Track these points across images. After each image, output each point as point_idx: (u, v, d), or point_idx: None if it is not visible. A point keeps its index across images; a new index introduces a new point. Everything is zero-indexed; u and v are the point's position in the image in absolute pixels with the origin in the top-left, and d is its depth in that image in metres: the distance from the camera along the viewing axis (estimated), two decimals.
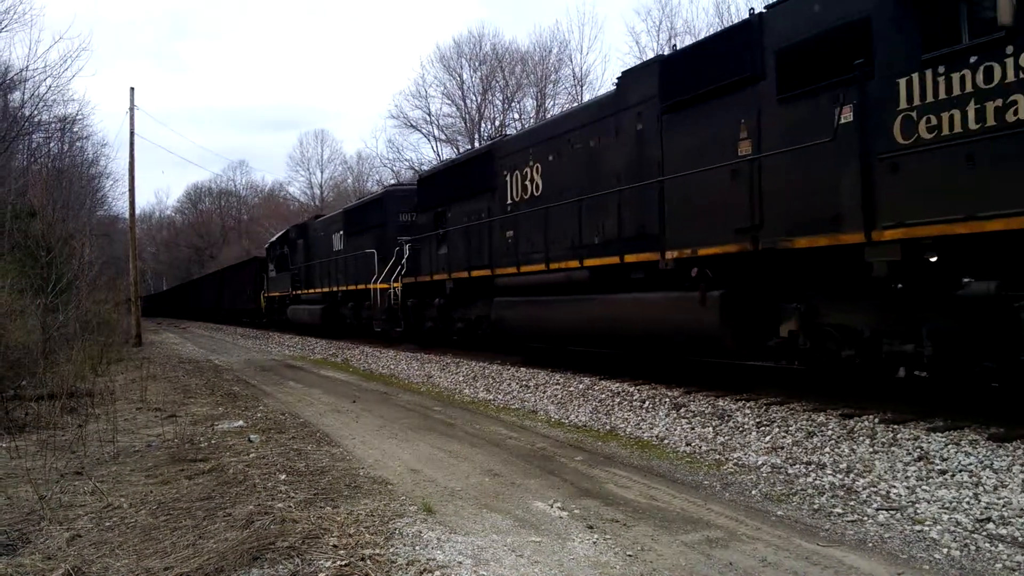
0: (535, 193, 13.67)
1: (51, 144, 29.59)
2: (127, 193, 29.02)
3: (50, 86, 23.82)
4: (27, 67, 22.75)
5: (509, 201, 14.60)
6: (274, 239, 36.46)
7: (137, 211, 30.83)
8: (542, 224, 13.15)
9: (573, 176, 12.46)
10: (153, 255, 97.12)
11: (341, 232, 26.01)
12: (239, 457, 7.45)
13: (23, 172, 24.71)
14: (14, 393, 10.90)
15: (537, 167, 13.60)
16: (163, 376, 15.99)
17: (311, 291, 29.45)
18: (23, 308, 13.97)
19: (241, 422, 9.69)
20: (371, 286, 21.84)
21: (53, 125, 27.50)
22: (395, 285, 20.18)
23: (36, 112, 24.72)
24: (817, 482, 5.97)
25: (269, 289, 36.30)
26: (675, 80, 10.10)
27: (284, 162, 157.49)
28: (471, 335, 17.01)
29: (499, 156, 15.17)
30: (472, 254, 16.02)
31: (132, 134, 28.09)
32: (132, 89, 28.59)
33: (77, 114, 30.29)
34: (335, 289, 26.08)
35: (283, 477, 6.53)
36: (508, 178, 14.63)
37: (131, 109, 28.18)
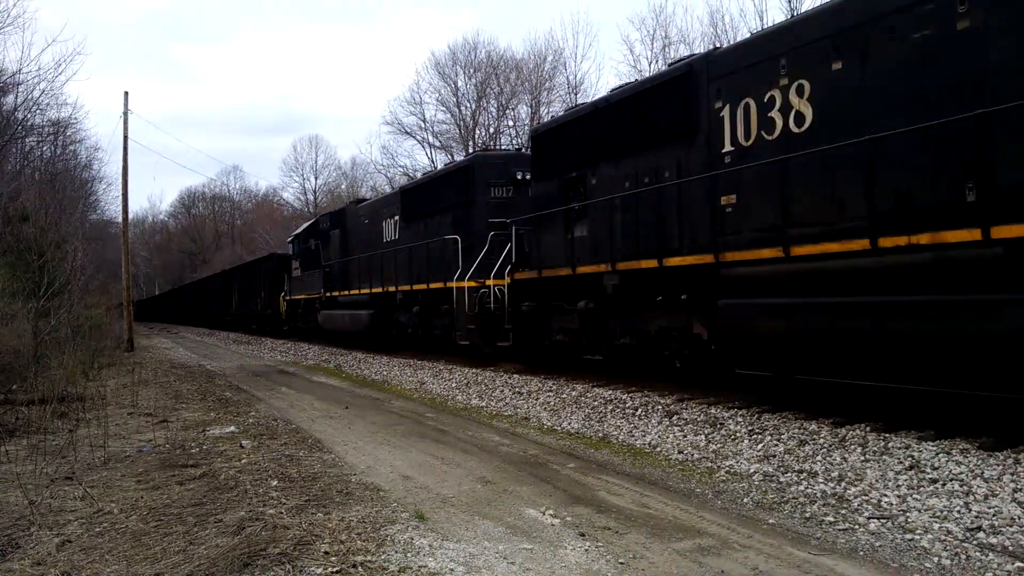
0: (793, 129, 8.59)
1: (44, 148, 29.54)
2: (120, 197, 29.06)
3: (43, 90, 23.82)
4: (20, 70, 22.69)
5: (729, 148, 9.50)
6: (299, 231, 31.09)
7: (130, 215, 30.89)
8: (842, 175, 7.93)
9: (898, 86, 7.44)
10: (146, 259, 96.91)
11: (396, 218, 21.15)
12: (231, 463, 7.43)
13: (16, 176, 24.60)
14: (5, 398, 10.87)
15: (801, 86, 8.47)
16: (155, 381, 15.94)
17: (352, 292, 23.62)
18: (14, 312, 13.93)
19: (233, 428, 9.66)
20: (452, 284, 16.45)
21: (46, 129, 27.44)
22: (496, 283, 15.33)
23: (29, 116, 24.70)
24: (809, 490, 5.98)
25: (292, 291, 30.73)
26: None
27: (278, 167, 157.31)
28: (650, 357, 11.23)
29: (710, 78, 9.89)
30: (649, 235, 10.76)
31: (126, 138, 28.08)
32: (126, 93, 28.60)
33: (71, 118, 30.27)
34: (390, 290, 20.38)
35: (275, 483, 6.51)
36: (728, 111, 9.53)
37: (125, 113, 28.18)
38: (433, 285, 17.62)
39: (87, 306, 21.45)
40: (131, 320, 29.07)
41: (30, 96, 23.74)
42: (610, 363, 12.61)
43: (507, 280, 14.69)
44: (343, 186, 70.35)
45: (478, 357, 16.30)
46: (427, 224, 19.00)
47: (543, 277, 13.34)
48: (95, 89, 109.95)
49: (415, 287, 18.75)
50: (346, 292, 24.17)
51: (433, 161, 46.53)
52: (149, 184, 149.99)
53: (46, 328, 15.09)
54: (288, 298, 31.51)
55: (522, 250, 14.50)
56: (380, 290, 21.00)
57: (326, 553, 4.61)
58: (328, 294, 25.77)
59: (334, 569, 4.34)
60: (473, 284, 15.89)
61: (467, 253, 16.31)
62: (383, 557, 4.57)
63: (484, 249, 15.83)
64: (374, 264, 21.79)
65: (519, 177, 16.54)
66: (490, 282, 15.48)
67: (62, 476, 6.97)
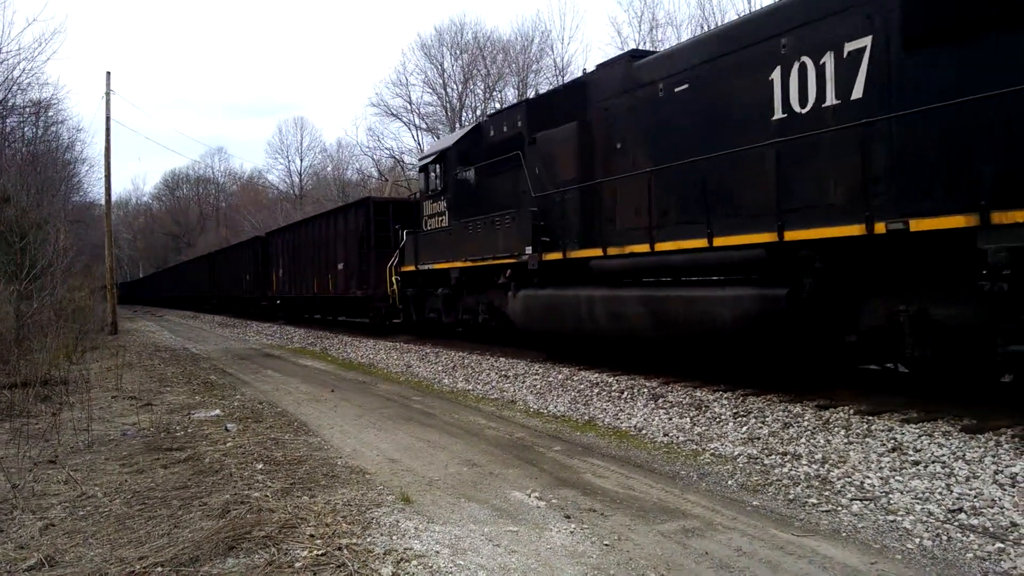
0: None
1: (25, 129, 29.15)
2: (103, 179, 28.71)
3: (24, 69, 23.44)
4: (0, 49, 22.35)
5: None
6: (437, 149, 17.63)
7: (113, 197, 30.51)
8: None
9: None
10: (129, 242, 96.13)
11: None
12: (216, 446, 7.41)
13: None
14: None
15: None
16: (139, 364, 15.85)
17: (668, 246, 9.79)
18: None
19: (218, 411, 9.63)
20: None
21: (27, 109, 27.07)
22: None
23: (10, 96, 24.32)
24: (792, 472, 6.02)
25: (420, 256, 17.14)
26: None
27: (263, 149, 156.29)
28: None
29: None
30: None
31: (108, 119, 27.75)
32: (108, 73, 28.26)
33: (52, 98, 29.82)
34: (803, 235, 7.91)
35: (260, 466, 6.49)
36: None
37: (107, 94, 27.83)
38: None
39: (70, 288, 21.26)
40: (115, 303, 28.86)
41: (10, 76, 23.37)
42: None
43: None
44: (328, 168, 69.98)
45: None
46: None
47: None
48: (77, 69, 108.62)
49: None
50: (638, 249, 10.37)
51: (419, 143, 46.34)
52: (133, 165, 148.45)
53: (28, 311, 14.97)
54: (411, 268, 17.52)
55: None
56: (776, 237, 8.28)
57: (311, 536, 4.61)
58: (552, 255, 12.33)
59: (319, 552, 4.34)
60: None
61: None
62: (368, 540, 4.57)
63: None
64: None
65: None
66: None
67: (45, 460, 6.92)
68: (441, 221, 16.48)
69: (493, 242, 13.59)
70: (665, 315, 9.67)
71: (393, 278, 18.53)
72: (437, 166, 16.92)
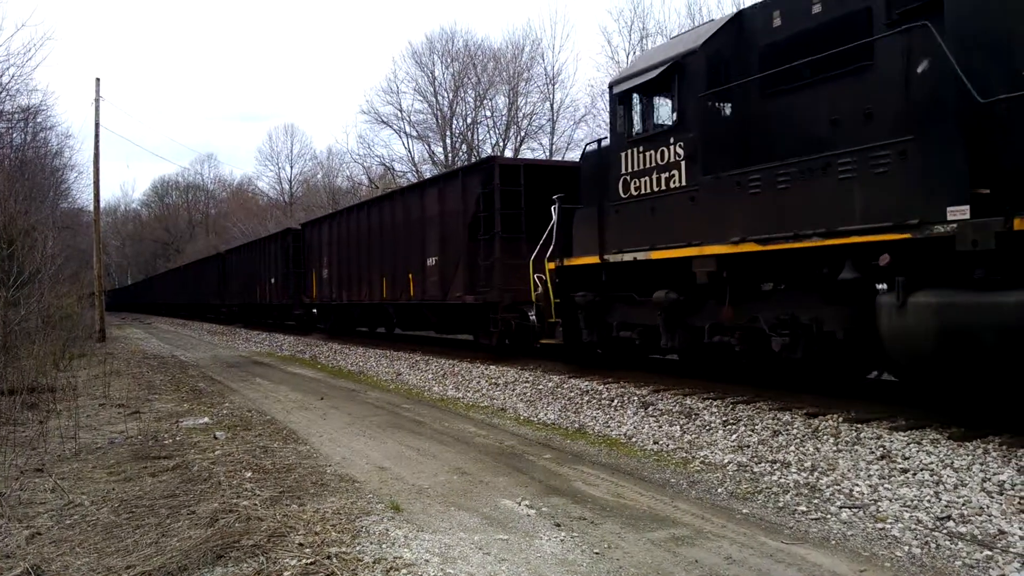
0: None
1: (14, 135, 28.98)
2: (92, 185, 28.58)
3: (13, 75, 23.32)
4: None
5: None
6: (679, 53, 9.66)
7: (102, 204, 30.41)
8: None
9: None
10: (118, 249, 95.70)
11: None
12: (204, 454, 7.37)
13: None
14: None
15: None
16: (127, 372, 15.76)
17: None
18: None
19: (206, 419, 9.58)
20: None
21: (16, 115, 26.92)
22: None
23: None
24: (782, 480, 6.04)
25: (610, 240, 10.81)
26: None
27: (253, 156, 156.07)
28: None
29: None
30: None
31: (97, 125, 27.68)
32: (98, 80, 28.17)
33: (41, 104, 29.66)
34: None
35: (249, 475, 6.46)
36: None
37: (96, 100, 27.77)
38: None
39: (58, 296, 21.12)
40: (103, 310, 28.70)
41: None
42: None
43: None
44: (319, 176, 69.86)
45: None
46: None
47: None
48: (67, 75, 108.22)
49: None
50: None
51: (410, 151, 46.33)
52: (122, 172, 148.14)
53: (15, 318, 14.85)
54: (588, 260, 11.39)
55: None
56: None
57: (300, 545, 4.59)
58: None
59: (308, 561, 4.32)
60: None
61: None
62: (358, 548, 4.55)
63: None
64: None
65: None
66: None
67: (32, 468, 6.87)
68: (667, 179, 9.66)
69: (826, 205, 7.54)
70: None
71: (545, 276, 12.12)
72: (658, 91, 10.16)
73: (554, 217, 12.17)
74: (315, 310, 25.75)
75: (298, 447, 7.77)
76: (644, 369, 11.59)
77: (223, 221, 77.07)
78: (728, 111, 9.45)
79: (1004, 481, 5.37)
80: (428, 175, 34.61)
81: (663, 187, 9.74)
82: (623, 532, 4.90)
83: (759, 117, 8.98)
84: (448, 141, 44.94)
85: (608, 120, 11.35)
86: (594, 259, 11.10)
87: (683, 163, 9.43)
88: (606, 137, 11.69)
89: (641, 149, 10.12)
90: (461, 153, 43.72)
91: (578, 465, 6.85)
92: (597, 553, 4.51)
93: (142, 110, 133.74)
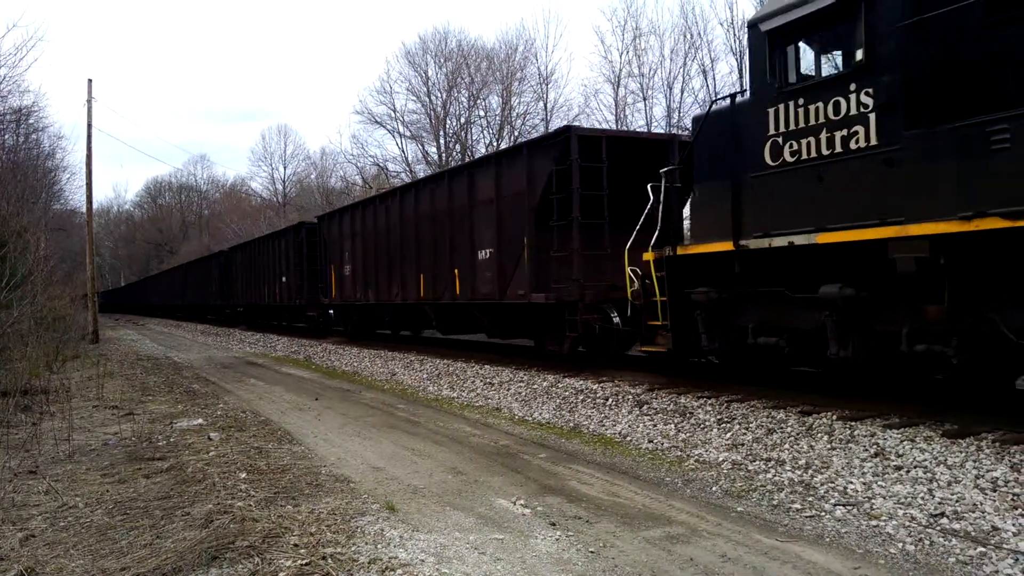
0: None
1: (6, 136, 28.88)
2: (84, 186, 28.50)
3: (4, 76, 23.23)
4: None
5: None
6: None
7: (95, 205, 30.33)
8: None
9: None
10: (111, 250, 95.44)
11: None
12: (198, 455, 7.35)
13: None
14: None
15: None
16: (120, 373, 15.72)
17: None
18: None
19: (201, 420, 9.56)
20: None
21: (7, 117, 26.82)
22: None
23: None
24: (776, 478, 6.05)
25: (750, 221, 8.39)
26: None
27: (246, 157, 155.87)
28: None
29: None
30: None
31: (89, 126, 27.60)
32: (90, 81, 28.10)
33: (33, 105, 29.58)
34: None
35: (243, 476, 6.45)
36: None
37: (88, 101, 27.70)
38: None
39: (50, 297, 21.05)
40: (96, 311, 28.62)
41: None
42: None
43: None
44: (312, 176, 69.83)
45: None
46: None
47: None
48: (59, 76, 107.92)
49: None
50: None
51: (403, 151, 46.29)
52: (114, 173, 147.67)
53: (8, 320, 14.80)
54: (720, 246, 8.79)
55: None
56: None
57: (295, 545, 4.58)
58: None
59: (303, 561, 4.32)
60: None
61: None
62: (353, 549, 4.55)
63: None
64: None
65: None
66: None
67: (25, 470, 6.84)
68: (845, 138, 7.35)
69: None
70: None
71: (648, 270, 9.95)
72: (832, 23, 7.82)
73: (657, 197, 9.84)
74: (331, 311, 23.88)
75: (293, 448, 7.76)
76: (789, 387, 9.15)
77: (216, 222, 76.88)
78: (936, 47, 6.70)
79: (997, 478, 5.39)
80: (422, 175, 34.36)
81: (838, 149, 7.41)
82: (618, 531, 4.90)
83: (983, 54, 6.39)
84: (442, 141, 44.94)
85: (749, 69, 8.83)
86: (725, 245, 8.70)
87: (871, 116, 7.13)
88: (736, 92, 9.50)
89: (802, 102, 7.76)
90: (455, 153, 43.72)
91: (573, 464, 6.86)
92: (592, 552, 4.51)
93: (135, 111, 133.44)
